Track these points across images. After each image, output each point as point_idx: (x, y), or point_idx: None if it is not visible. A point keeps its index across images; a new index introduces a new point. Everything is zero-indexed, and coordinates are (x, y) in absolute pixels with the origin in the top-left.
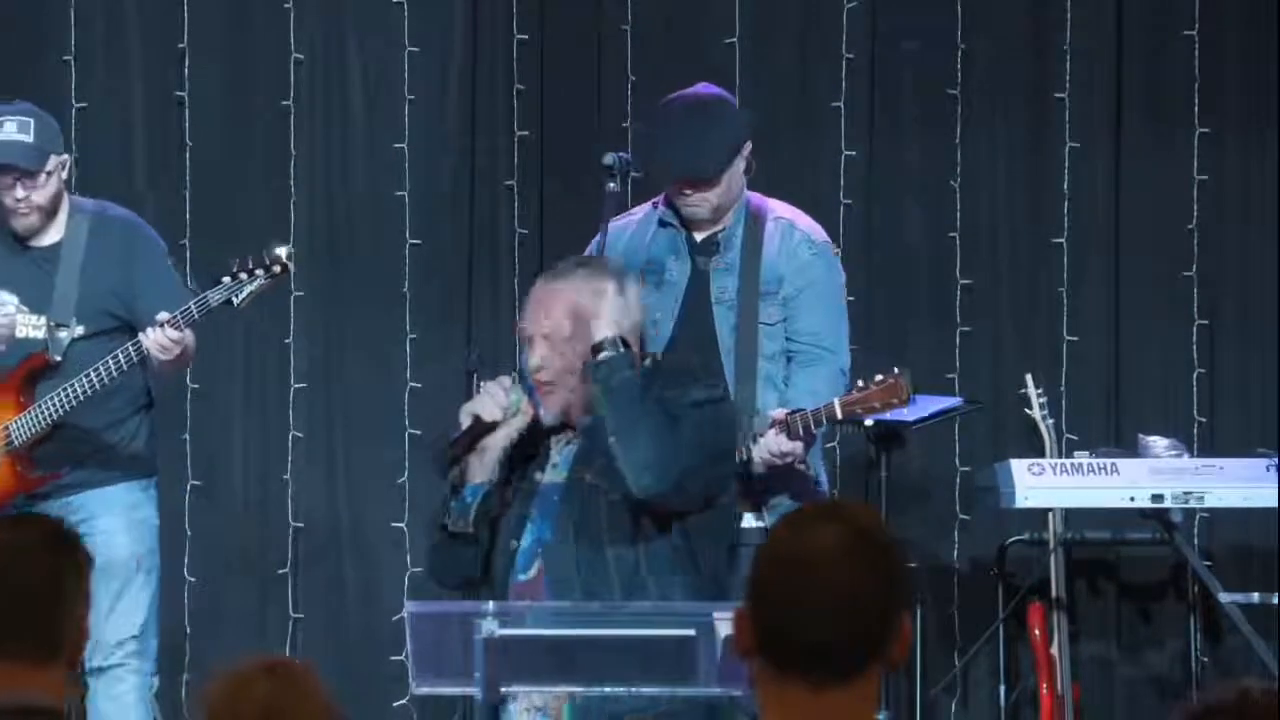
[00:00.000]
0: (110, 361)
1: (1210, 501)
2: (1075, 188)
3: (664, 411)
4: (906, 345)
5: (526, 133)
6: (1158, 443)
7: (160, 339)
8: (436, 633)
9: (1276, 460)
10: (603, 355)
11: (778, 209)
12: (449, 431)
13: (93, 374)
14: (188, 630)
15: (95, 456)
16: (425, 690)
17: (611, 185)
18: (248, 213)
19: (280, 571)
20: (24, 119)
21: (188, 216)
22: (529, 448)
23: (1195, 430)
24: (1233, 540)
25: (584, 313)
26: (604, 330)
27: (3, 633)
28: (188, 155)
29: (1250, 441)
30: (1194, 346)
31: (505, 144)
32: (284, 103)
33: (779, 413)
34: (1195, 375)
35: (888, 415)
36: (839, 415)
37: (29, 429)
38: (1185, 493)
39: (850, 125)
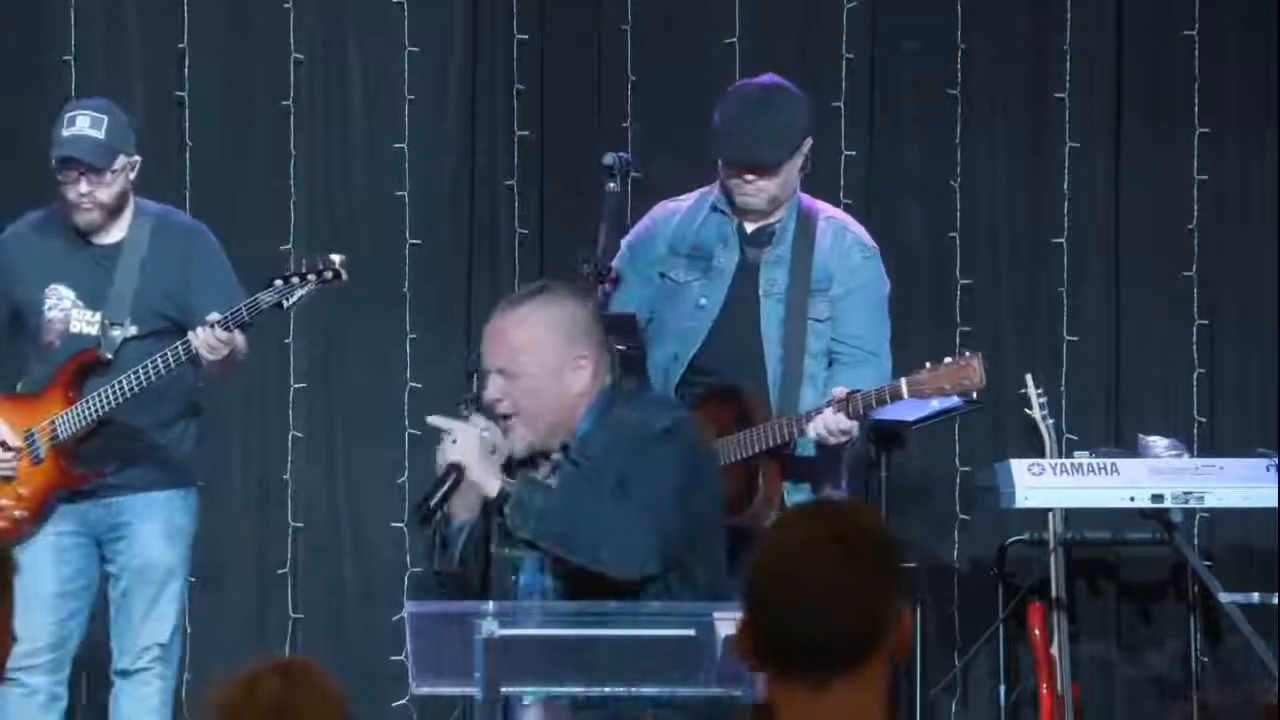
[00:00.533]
0: (159, 359)
1: (1210, 501)
2: (1075, 188)
3: (610, 485)
4: (907, 345)
5: (526, 133)
6: (1158, 443)
7: (209, 339)
8: (436, 633)
9: (1276, 460)
10: (506, 510)
11: (828, 210)
12: (429, 489)
13: (140, 371)
14: (188, 630)
15: (140, 459)
16: (425, 690)
17: (611, 185)
18: (248, 213)
19: (280, 571)
20: (98, 115)
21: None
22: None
23: (1195, 430)
24: (1233, 540)
25: (536, 343)
26: (490, 483)
27: None
28: (188, 155)
29: (1250, 441)
30: (1194, 346)
31: (505, 144)
32: (284, 103)
33: (839, 390)
34: (1195, 375)
35: (955, 398)
36: (905, 394)
37: (75, 424)
38: (1185, 493)
39: (850, 125)
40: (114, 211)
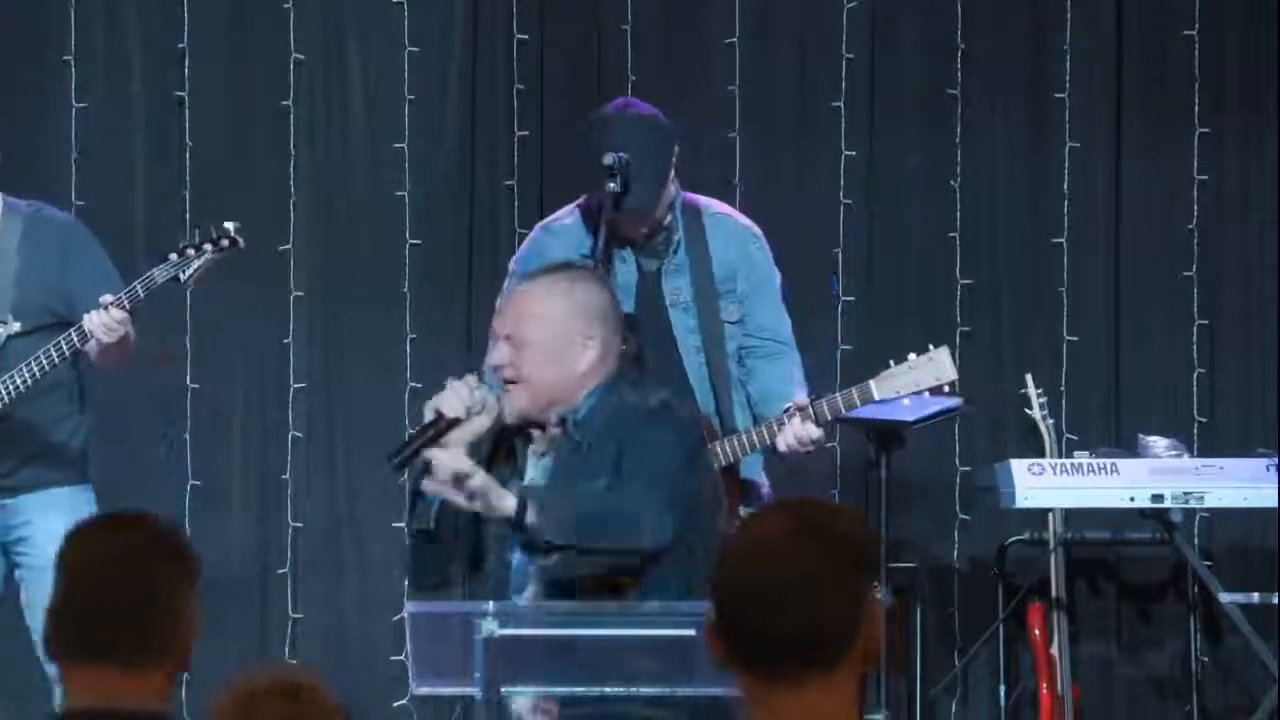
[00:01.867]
0: (51, 350)
1: (1210, 501)
2: (1075, 188)
3: (609, 463)
4: (907, 345)
5: (526, 133)
6: (1158, 443)
7: (105, 320)
8: (436, 633)
9: (1276, 460)
10: (530, 521)
11: (711, 204)
12: (412, 433)
13: (33, 364)
14: None
15: (37, 458)
16: (425, 690)
17: (611, 185)
18: (248, 213)
19: (280, 571)
20: None
21: (188, 216)
22: (502, 451)
23: (1195, 430)
24: (1233, 540)
25: (549, 315)
26: (505, 503)
27: (98, 639)
28: (188, 155)
29: (1250, 441)
30: (1194, 346)
31: (505, 144)
32: (284, 103)
33: (799, 399)
34: (1195, 375)
35: (926, 393)
36: (875, 395)
37: None
38: (1185, 493)
39: (850, 125)
40: None
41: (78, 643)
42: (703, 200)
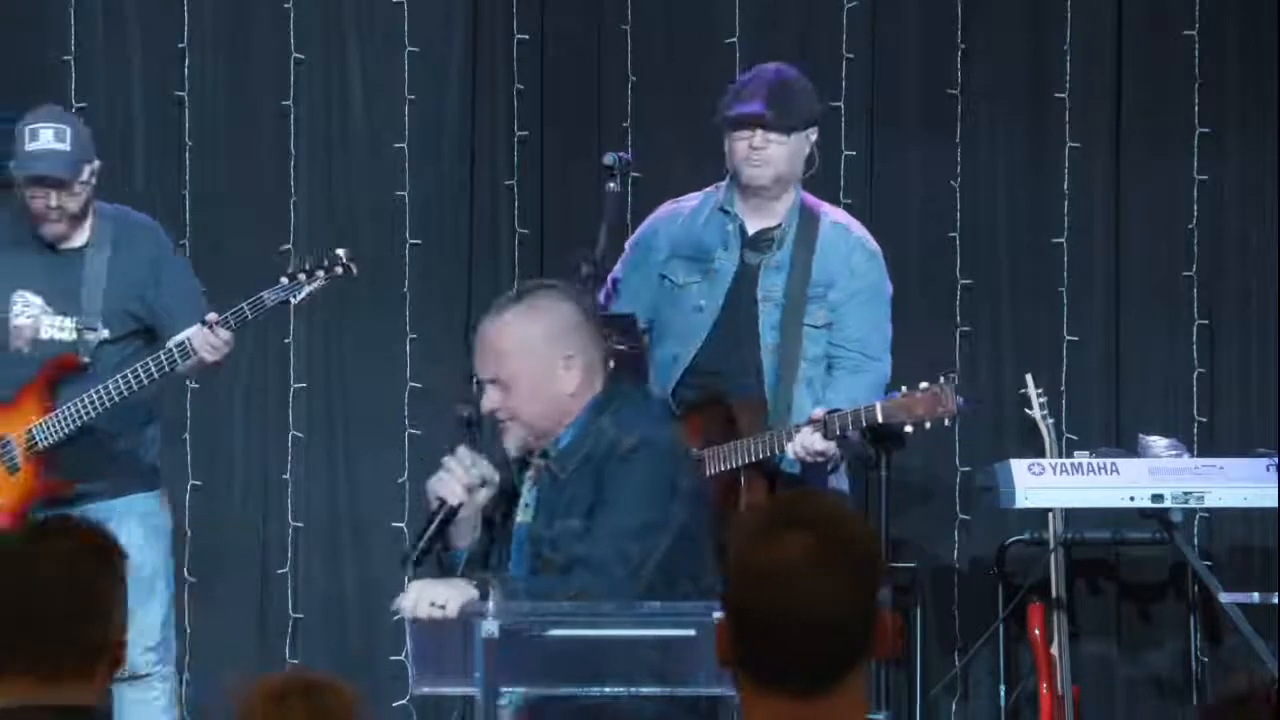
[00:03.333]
0: (151, 364)
1: (1210, 501)
2: (1075, 188)
3: (584, 504)
4: (907, 345)
5: (526, 133)
6: (1158, 443)
7: (210, 338)
8: (436, 633)
9: (1276, 460)
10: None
11: (833, 213)
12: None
13: (130, 375)
14: (188, 630)
15: (115, 465)
16: (425, 690)
17: (611, 185)
18: (248, 213)
19: (280, 571)
20: (60, 126)
21: (188, 216)
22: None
23: (1195, 430)
24: (1233, 540)
25: (522, 346)
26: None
27: (34, 646)
28: (188, 155)
29: (1250, 441)
30: (1194, 346)
31: (505, 144)
32: (284, 103)
33: (817, 411)
34: (1195, 375)
35: (928, 425)
36: (880, 419)
37: (54, 432)
38: (1185, 493)
39: (850, 125)
40: (79, 219)
41: (11, 654)
42: (826, 206)
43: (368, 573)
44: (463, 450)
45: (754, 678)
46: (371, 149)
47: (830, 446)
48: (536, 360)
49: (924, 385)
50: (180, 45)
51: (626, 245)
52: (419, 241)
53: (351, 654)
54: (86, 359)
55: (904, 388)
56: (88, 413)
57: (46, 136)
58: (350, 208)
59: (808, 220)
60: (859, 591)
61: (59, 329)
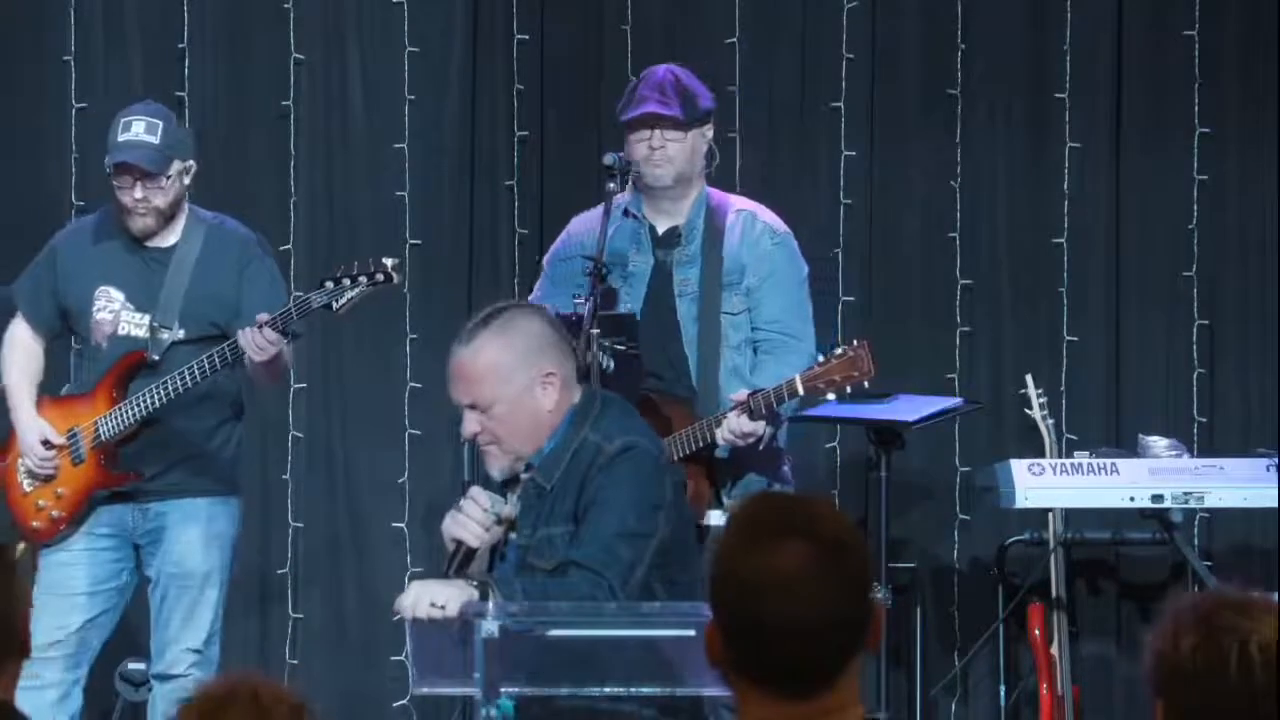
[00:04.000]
0: (204, 360)
1: (1210, 501)
2: (1075, 188)
3: (567, 512)
4: (907, 345)
5: (526, 133)
6: (1158, 443)
7: (257, 339)
8: (436, 633)
9: (1276, 460)
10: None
11: (738, 202)
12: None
13: (185, 373)
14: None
15: (182, 464)
16: (425, 690)
17: (611, 185)
18: (248, 213)
19: (280, 571)
20: (153, 120)
21: None
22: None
23: (1195, 430)
24: (1233, 540)
25: (498, 370)
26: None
27: None
28: None
29: (1250, 441)
30: (1194, 346)
31: (505, 144)
32: (284, 103)
33: (740, 394)
34: (1195, 375)
35: (849, 389)
36: (800, 390)
37: (117, 425)
38: (1185, 493)
39: (850, 125)
40: (168, 217)
41: None
42: (731, 197)
43: (368, 573)
44: (477, 490)
45: (747, 679)
46: (371, 149)
47: (758, 426)
48: (513, 383)
49: (838, 350)
50: (180, 45)
51: (544, 262)
52: (419, 241)
53: (351, 654)
54: (156, 357)
55: (820, 356)
56: (150, 407)
57: (138, 129)
58: (350, 208)
59: (714, 212)
60: (854, 593)
61: (136, 326)
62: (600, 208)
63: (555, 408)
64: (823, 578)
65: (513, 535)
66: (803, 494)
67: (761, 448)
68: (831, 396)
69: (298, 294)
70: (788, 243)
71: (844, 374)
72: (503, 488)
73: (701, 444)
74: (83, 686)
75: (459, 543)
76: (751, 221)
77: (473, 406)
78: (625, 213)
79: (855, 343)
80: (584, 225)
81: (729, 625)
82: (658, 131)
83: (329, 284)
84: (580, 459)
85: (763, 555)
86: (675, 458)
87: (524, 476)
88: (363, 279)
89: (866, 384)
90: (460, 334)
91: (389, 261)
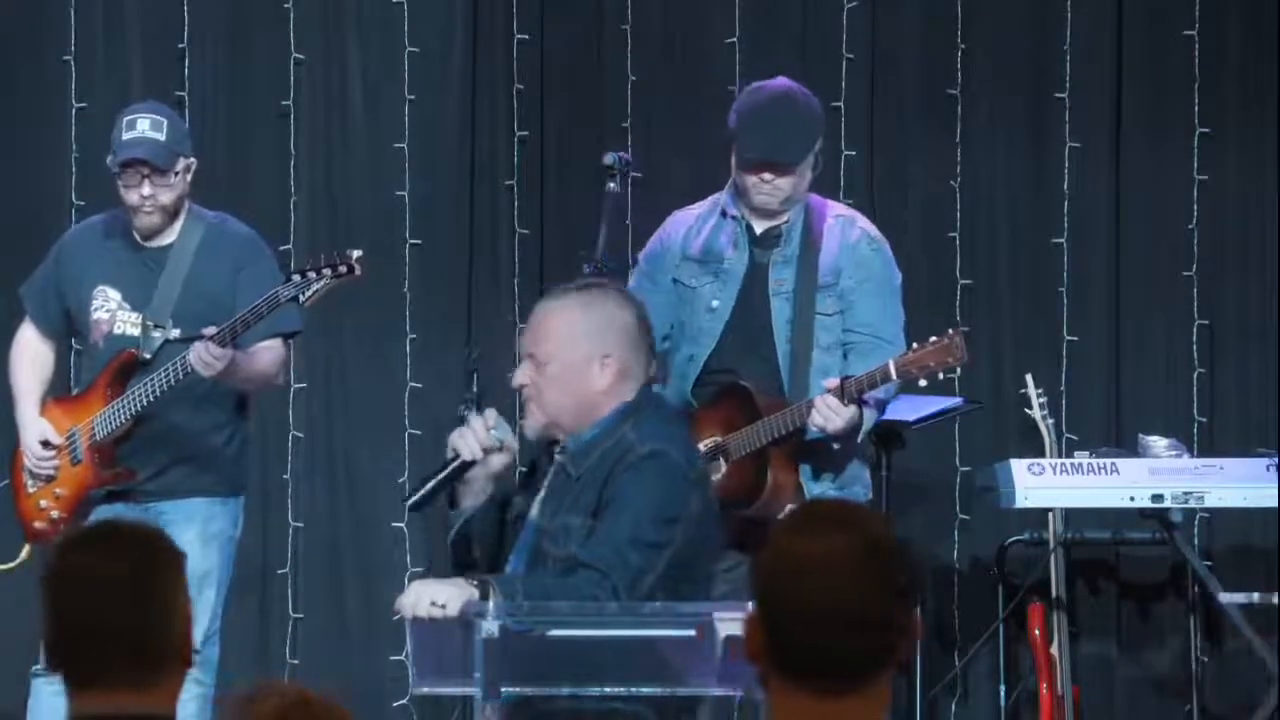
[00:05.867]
0: (170, 371)
1: (1210, 501)
2: (1075, 188)
3: (589, 505)
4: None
5: (526, 133)
6: (1158, 443)
7: (203, 354)
8: (436, 633)
9: (1276, 460)
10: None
11: (836, 208)
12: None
13: (171, 369)
14: None
15: (181, 463)
16: (425, 690)
17: (611, 185)
18: (248, 213)
19: (280, 571)
20: (157, 118)
21: None
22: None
23: (1195, 430)
24: (1233, 540)
25: (566, 332)
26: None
27: (103, 664)
28: None
29: (1250, 441)
30: (1194, 346)
31: (505, 144)
32: (284, 103)
33: (831, 381)
34: (1195, 375)
35: (940, 375)
36: (894, 375)
37: (110, 423)
38: (1185, 493)
39: (850, 125)
40: (172, 215)
41: (81, 669)
42: (830, 202)
43: (368, 573)
44: (491, 412)
45: (782, 673)
46: (371, 149)
47: (851, 412)
48: (574, 350)
49: (933, 339)
50: (180, 45)
51: (640, 258)
52: (419, 241)
53: (351, 654)
54: (148, 355)
55: (914, 344)
56: (140, 405)
57: (143, 126)
58: (350, 208)
59: (813, 215)
60: (894, 595)
61: (130, 324)
62: (698, 205)
63: (606, 392)
64: (865, 572)
65: (532, 514)
66: (852, 501)
67: (860, 437)
68: (923, 383)
69: (258, 300)
70: (884, 249)
71: (938, 360)
72: (547, 460)
73: (790, 428)
74: None
75: (457, 454)
76: (849, 226)
77: (531, 357)
78: (722, 213)
79: (950, 330)
80: (680, 222)
81: (770, 609)
82: (769, 173)
83: (296, 277)
84: (611, 454)
85: (809, 543)
86: (763, 441)
87: (558, 458)
88: (327, 271)
89: (959, 370)
90: (555, 289)
91: (354, 253)
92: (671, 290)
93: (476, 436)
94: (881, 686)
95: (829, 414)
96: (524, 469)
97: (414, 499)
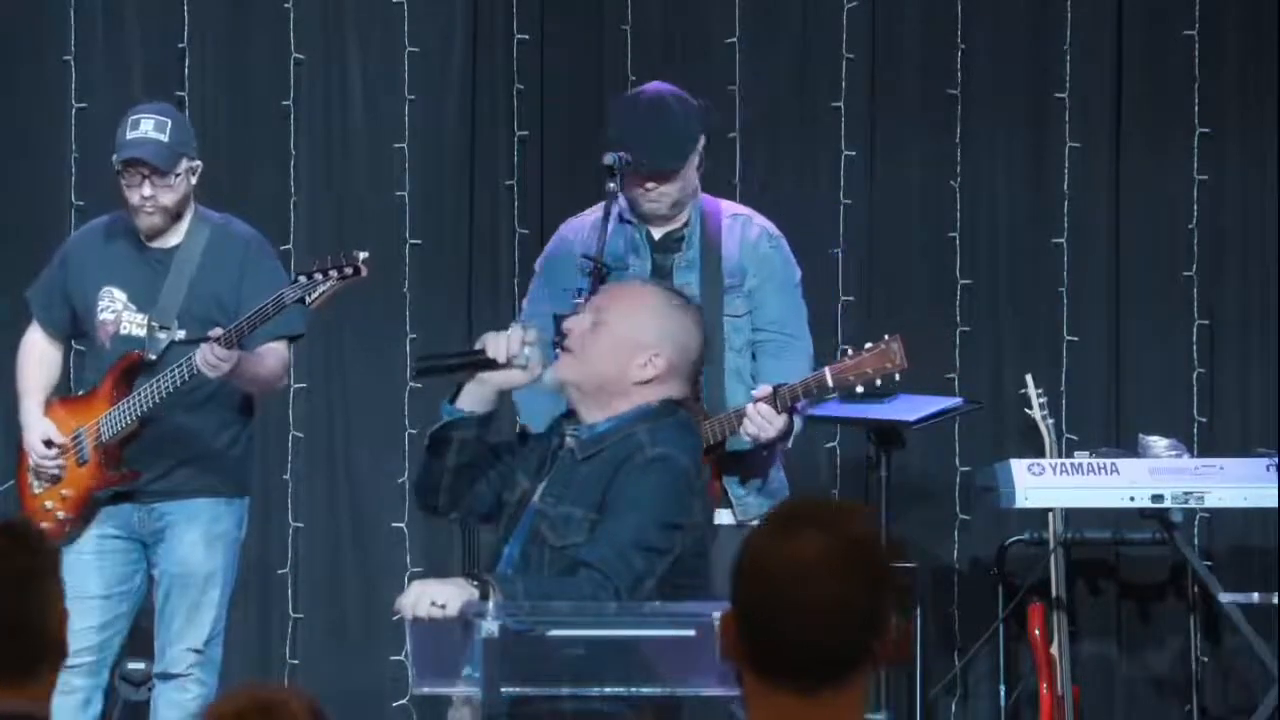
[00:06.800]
0: (175, 373)
1: (1210, 501)
2: (1075, 188)
3: (593, 500)
4: (907, 345)
5: (526, 133)
6: (1158, 443)
7: (207, 355)
8: (436, 633)
9: (1276, 460)
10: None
11: (730, 207)
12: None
13: (177, 370)
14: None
15: (186, 464)
16: (425, 690)
17: (611, 185)
18: (248, 213)
19: (280, 571)
20: (161, 119)
21: None
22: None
23: (1195, 430)
24: (1233, 540)
25: (638, 316)
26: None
27: None
28: None
29: (1250, 441)
30: (1194, 346)
31: (505, 144)
32: (284, 103)
33: (762, 390)
34: (1195, 375)
35: (878, 382)
36: (830, 383)
37: (117, 424)
38: (1185, 493)
39: (850, 125)
40: (175, 216)
41: None
42: (724, 203)
43: (368, 573)
44: (533, 330)
45: (759, 673)
46: (371, 149)
47: (783, 420)
48: (636, 329)
49: (869, 345)
50: (180, 45)
51: (537, 266)
52: (419, 241)
53: (351, 654)
54: (153, 356)
55: (849, 349)
56: (146, 405)
57: (147, 126)
58: (350, 208)
59: (708, 217)
60: (869, 592)
61: (136, 325)
62: (592, 211)
63: (641, 382)
64: (840, 568)
65: (534, 498)
66: (838, 499)
67: (789, 444)
68: (860, 390)
69: (264, 301)
70: (783, 245)
71: (876, 367)
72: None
73: (719, 438)
74: (104, 691)
75: (483, 348)
76: (748, 225)
77: (596, 311)
78: (620, 218)
79: (887, 337)
80: (577, 228)
81: (745, 609)
82: (652, 181)
83: (301, 279)
84: (619, 452)
85: (784, 542)
86: None
87: (569, 442)
88: (333, 273)
89: (898, 376)
90: (653, 279)
91: (360, 254)
92: (570, 299)
93: (509, 342)
94: (859, 685)
95: (762, 423)
96: (518, 432)
97: (424, 365)
